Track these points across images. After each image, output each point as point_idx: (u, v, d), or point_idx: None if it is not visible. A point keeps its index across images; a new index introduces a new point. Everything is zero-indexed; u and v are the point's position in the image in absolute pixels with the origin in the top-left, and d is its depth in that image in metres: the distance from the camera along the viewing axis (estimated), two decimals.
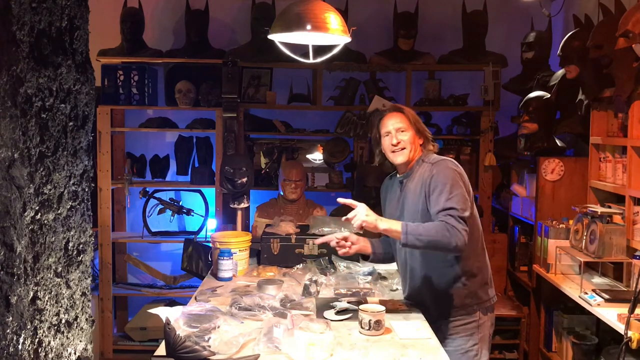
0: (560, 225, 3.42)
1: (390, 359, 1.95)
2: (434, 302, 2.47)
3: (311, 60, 2.90)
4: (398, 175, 2.58)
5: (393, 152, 2.49)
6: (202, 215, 4.58)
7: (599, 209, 3.07)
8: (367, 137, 4.34)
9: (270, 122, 4.52)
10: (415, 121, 2.53)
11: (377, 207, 2.54)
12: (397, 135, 2.47)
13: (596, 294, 2.86)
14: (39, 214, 1.83)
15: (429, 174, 2.41)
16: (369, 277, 2.83)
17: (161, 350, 1.92)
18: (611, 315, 2.66)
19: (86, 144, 2.19)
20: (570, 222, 3.32)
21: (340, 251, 2.53)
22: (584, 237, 3.07)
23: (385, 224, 2.27)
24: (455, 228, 2.22)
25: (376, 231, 2.31)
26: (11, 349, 1.64)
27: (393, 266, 3.00)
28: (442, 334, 2.40)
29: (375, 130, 2.59)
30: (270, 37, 2.76)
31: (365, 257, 2.71)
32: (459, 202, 2.28)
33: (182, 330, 2.05)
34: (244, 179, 3.81)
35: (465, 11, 4.45)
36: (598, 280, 3.23)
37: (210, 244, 3.15)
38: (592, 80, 3.26)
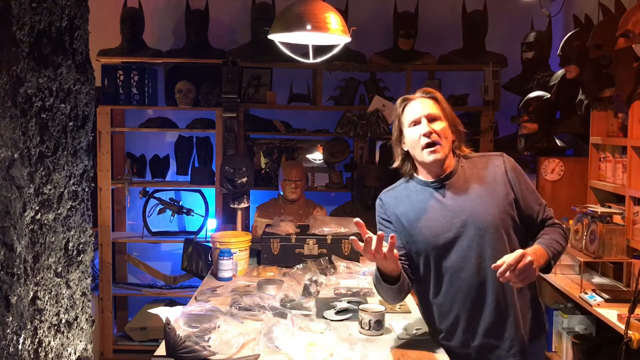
0: None
1: (390, 359, 1.95)
2: (514, 336, 1.95)
3: (311, 60, 2.90)
4: (426, 179, 2.02)
5: (426, 146, 1.93)
6: (202, 215, 4.58)
7: (599, 209, 3.07)
8: (367, 137, 4.34)
9: (270, 122, 4.52)
10: (450, 110, 2.02)
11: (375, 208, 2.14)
12: (428, 124, 1.94)
13: (596, 294, 2.86)
14: (39, 214, 1.83)
15: (503, 165, 1.98)
16: (369, 277, 2.83)
17: (161, 350, 1.92)
18: (611, 315, 2.66)
19: (86, 144, 2.19)
20: (570, 222, 3.31)
21: (370, 255, 1.80)
22: (584, 237, 3.06)
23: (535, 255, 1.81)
24: (562, 230, 1.97)
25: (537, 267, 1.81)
26: (11, 349, 1.64)
27: None
28: None
29: (396, 122, 2.03)
30: (270, 37, 2.76)
31: (390, 280, 1.93)
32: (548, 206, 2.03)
33: (182, 330, 2.04)
34: (244, 179, 3.81)
35: (465, 11, 4.45)
36: (598, 280, 3.23)
37: (210, 244, 3.15)
38: (592, 80, 3.25)
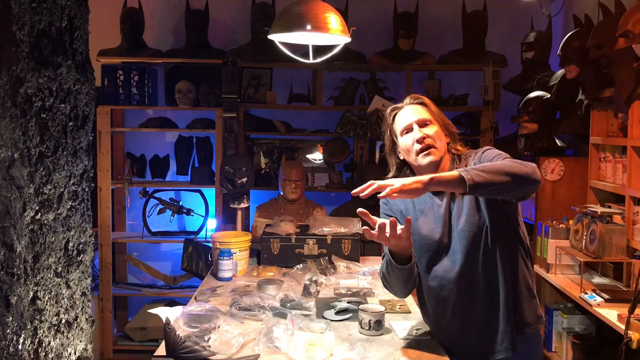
0: (560, 225, 3.42)
1: (390, 359, 1.95)
2: (505, 330, 1.95)
3: (311, 60, 2.90)
4: None
5: (420, 151, 1.96)
6: (202, 215, 4.58)
7: (599, 209, 3.07)
8: (367, 137, 4.34)
9: (270, 122, 4.52)
10: (439, 113, 2.05)
11: (375, 207, 2.07)
12: (420, 129, 1.97)
13: (596, 294, 2.86)
14: (39, 214, 1.83)
15: (479, 156, 1.97)
16: (369, 277, 2.83)
17: (161, 350, 1.92)
18: (611, 315, 2.66)
19: (86, 144, 2.19)
20: (570, 222, 3.32)
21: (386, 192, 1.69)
22: (584, 237, 3.06)
23: (437, 174, 1.73)
24: (522, 160, 1.80)
25: (426, 187, 1.70)
26: (11, 349, 1.64)
27: None
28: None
29: (387, 132, 2.06)
30: (270, 37, 2.76)
31: (401, 261, 1.94)
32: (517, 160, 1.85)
33: (182, 330, 2.04)
34: (244, 179, 3.82)
35: (465, 11, 4.45)
36: (598, 280, 3.23)
37: (210, 244, 3.15)
38: (592, 80, 3.25)
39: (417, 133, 1.97)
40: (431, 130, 1.98)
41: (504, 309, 1.94)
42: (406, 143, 2.00)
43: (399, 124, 2.02)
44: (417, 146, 1.96)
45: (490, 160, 1.90)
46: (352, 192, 1.77)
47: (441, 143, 1.99)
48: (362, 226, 3.12)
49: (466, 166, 1.96)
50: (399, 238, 1.82)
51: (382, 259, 2.05)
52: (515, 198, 1.88)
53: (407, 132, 2.00)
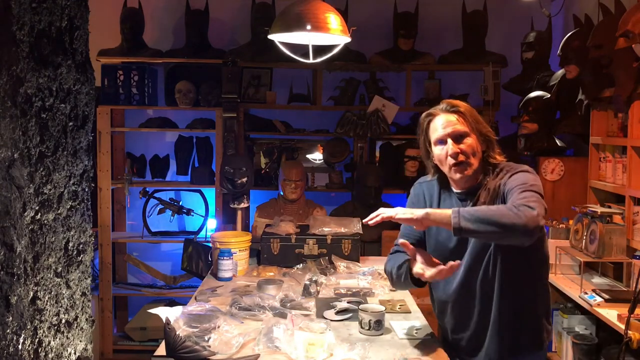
0: (560, 225, 3.42)
1: (390, 359, 1.95)
2: (510, 339, 1.97)
3: (311, 60, 2.90)
4: (455, 190, 2.04)
5: (453, 165, 1.93)
6: (202, 215, 4.58)
7: (599, 209, 3.07)
8: (367, 137, 4.34)
9: (270, 122, 4.52)
10: (476, 121, 1.97)
11: (376, 206, 2.04)
12: (454, 144, 1.93)
13: (596, 294, 2.86)
14: (39, 214, 1.83)
15: (505, 178, 1.92)
16: (369, 277, 2.83)
17: (161, 350, 1.92)
18: (611, 315, 2.66)
19: (86, 144, 2.19)
20: (570, 222, 3.32)
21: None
22: (584, 237, 3.06)
23: (433, 210, 1.80)
24: (526, 206, 1.71)
25: (423, 224, 1.80)
26: (11, 349, 1.64)
27: None
28: None
29: (422, 136, 2.02)
30: (270, 37, 2.76)
31: (419, 283, 1.98)
32: (534, 196, 1.78)
33: (182, 330, 2.04)
34: (244, 179, 3.82)
35: (465, 11, 4.45)
36: (598, 280, 3.23)
37: (210, 244, 3.15)
38: (592, 80, 3.25)
39: (450, 147, 1.93)
40: (466, 144, 1.94)
41: (494, 325, 1.97)
42: (440, 155, 1.97)
43: (432, 133, 1.98)
44: (451, 160, 1.94)
45: (511, 190, 1.86)
46: (364, 221, 1.87)
47: (475, 157, 1.96)
48: (360, 227, 3.13)
49: (497, 184, 1.94)
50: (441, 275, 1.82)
51: (392, 255, 2.12)
52: (511, 245, 1.85)
53: (440, 143, 1.96)
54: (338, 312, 2.33)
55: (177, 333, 1.89)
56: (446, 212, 1.76)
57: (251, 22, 4.46)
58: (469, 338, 2.05)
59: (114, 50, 4.45)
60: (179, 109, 4.47)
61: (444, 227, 1.80)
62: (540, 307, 2.03)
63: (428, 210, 1.80)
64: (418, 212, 1.77)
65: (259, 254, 3.16)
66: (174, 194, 4.73)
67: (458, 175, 1.95)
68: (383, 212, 1.81)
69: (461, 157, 1.93)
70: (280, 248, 3.11)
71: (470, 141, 1.94)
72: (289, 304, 2.38)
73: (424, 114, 2.04)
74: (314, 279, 2.75)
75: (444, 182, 2.07)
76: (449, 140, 1.93)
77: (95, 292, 4.36)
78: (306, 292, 2.62)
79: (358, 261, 3.08)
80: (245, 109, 4.45)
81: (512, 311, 1.97)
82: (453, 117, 1.95)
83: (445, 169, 1.99)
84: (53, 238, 1.93)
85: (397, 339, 2.13)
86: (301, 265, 3.00)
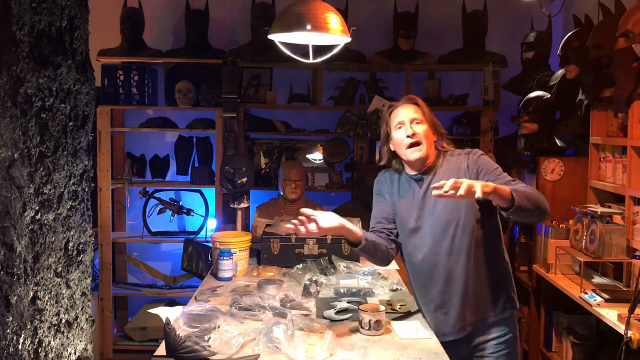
0: (560, 225, 3.42)
1: (390, 359, 1.95)
2: (475, 308, 2.26)
3: (311, 60, 2.90)
4: (410, 172, 2.33)
5: (409, 146, 2.24)
6: (202, 215, 4.58)
7: (599, 209, 3.07)
8: (367, 137, 4.34)
9: (270, 122, 4.53)
10: (430, 114, 2.32)
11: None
12: (411, 126, 2.25)
13: (596, 294, 2.86)
14: (39, 214, 1.83)
15: (466, 161, 2.26)
16: (369, 277, 2.83)
17: (161, 350, 1.92)
18: (611, 315, 2.66)
19: (86, 144, 2.19)
20: (570, 222, 3.32)
21: (302, 230, 2.11)
22: (584, 237, 3.06)
23: (498, 186, 2.00)
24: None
25: (487, 192, 1.93)
26: (11, 349, 1.64)
27: (393, 265, 3.00)
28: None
29: (384, 125, 2.36)
30: (270, 37, 2.76)
31: (353, 244, 2.27)
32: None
33: (182, 330, 2.05)
34: (244, 179, 3.82)
35: (465, 11, 4.45)
36: (598, 280, 3.23)
37: (210, 244, 3.15)
38: (592, 80, 3.25)
39: (408, 129, 2.25)
40: (421, 128, 2.26)
41: (459, 295, 2.23)
42: (398, 137, 2.28)
43: (393, 120, 2.30)
44: (408, 141, 2.25)
45: (490, 172, 2.21)
46: (434, 185, 1.98)
47: (428, 141, 2.27)
48: (360, 227, 3.13)
49: (459, 160, 2.27)
50: (321, 230, 2.13)
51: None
52: (523, 222, 2.14)
53: (399, 127, 2.28)
54: (338, 312, 2.34)
55: (177, 333, 1.89)
56: (506, 189, 2.00)
57: (251, 22, 4.46)
58: (434, 309, 2.29)
59: (114, 50, 4.45)
60: (179, 109, 4.47)
61: (502, 203, 2.01)
62: (501, 274, 2.31)
63: (494, 186, 1.97)
64: (489, 185, 1.95)
65: (259, 254, 3.16)
66: (174, 194, 4.73)
67: (413, 156, 2.24)
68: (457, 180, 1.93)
69: (416, 137, 2.24)
70: (280, 248, 3.11)
71: (424, 127, 2.27)
72: (289, 304, 2.38)
73: (388, 105, 2.40)
74: (314, 279, 2.75)
75: (398, 169, 2.38)
76: (407, 123, 2.26)
77: (95, 292, 4.36)
78: (306, 292, 2.63)
79: (358, 261, 3.08)
80: (245, 109, 4.45)
81: (476, 279, 2.24)
82: (412, 107, 2.30)
83: (402, 151, 2.28)
84: (53, 238, 1.93)
85: (397, 339, 2.13)
86: (301, 265, 3.01)
